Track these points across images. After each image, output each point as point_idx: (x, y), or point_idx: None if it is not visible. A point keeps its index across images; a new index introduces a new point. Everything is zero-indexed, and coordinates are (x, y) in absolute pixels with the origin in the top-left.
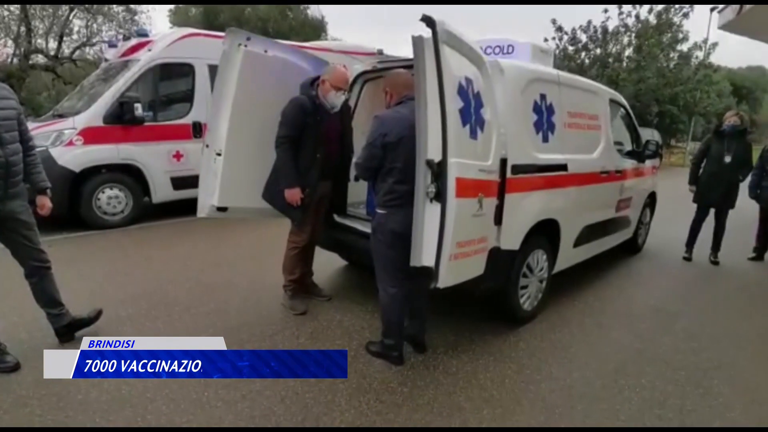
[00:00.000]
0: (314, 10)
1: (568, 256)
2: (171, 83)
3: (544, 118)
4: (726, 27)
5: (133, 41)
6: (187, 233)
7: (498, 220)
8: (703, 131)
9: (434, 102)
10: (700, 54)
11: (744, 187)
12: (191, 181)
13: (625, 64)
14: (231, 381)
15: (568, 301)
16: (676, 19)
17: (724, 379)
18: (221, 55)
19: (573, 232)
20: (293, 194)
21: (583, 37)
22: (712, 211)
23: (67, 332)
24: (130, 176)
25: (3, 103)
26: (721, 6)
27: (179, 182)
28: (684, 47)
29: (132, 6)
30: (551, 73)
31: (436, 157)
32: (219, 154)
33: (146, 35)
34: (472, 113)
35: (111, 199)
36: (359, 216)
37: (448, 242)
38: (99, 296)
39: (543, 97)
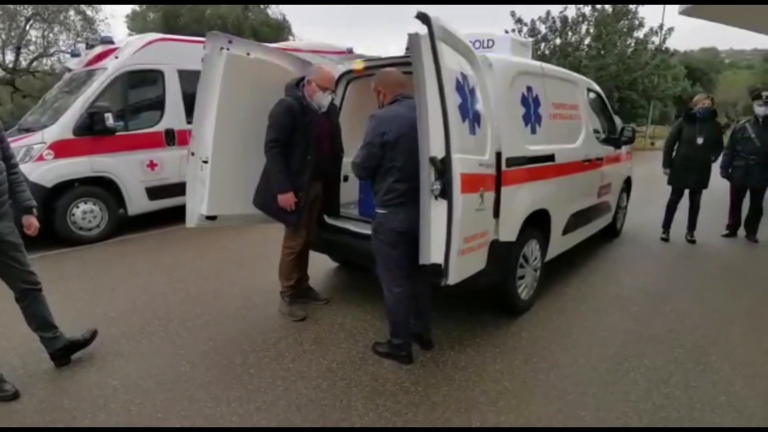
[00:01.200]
0: (275, 10)
1: (558, 244)
2: (141, 91)
3: (531, 110)
4: (686, 12)
5: (98, 49)
6: (168, 244)
7: (496, 213)
8: (661, 115)
9: (434, 99)
10: (656, 39)
11: (716, 167)
12: (167, 191)
13: (585, 52)
14: (243, 393)
15: (559, 288)
16: (632, 6)
17: (721, 354)
18: (203, 59)
19: (562, 220)
20: (287, 199)
21: (543, 28)
22: (685, 192)
23: (62, 355)
24: (104, 189)
25: None
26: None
27: (155, 192)
28: (640, 33)
29: (88, 13)
30: (535, 65)
31: (439, 154)
32: (205, 162)
33: (111, 42)
34: (469, 108)
35: (86, 213)
36: (351, 216)
37: (457, 238)
38: (87, 315)
39: (529, 89)
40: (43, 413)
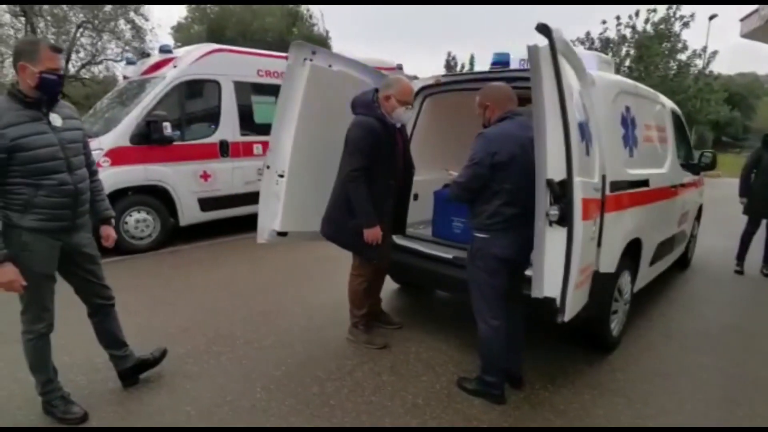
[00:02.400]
0: (320, 26)
1: (645, 275)
2: (197, 101)
3: (629, 132)
4: (751, 35)
5: (156, 58)
6: (220, 256)
7: (599, 241)
8: (699, 139)
9: (555, 116)
10: (699, 62)
11: None
12: (219, 203)
13: (625, 74)
14: (327, 427)
15: (641, 322)
16: (676, 29)
17: None
18: (286, 70)
19: (651, 249)
20: (374, 233)
21: (582, 49)
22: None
23: (131, 375)
24: (157, 198)
25: (69, 123)
26: (751, 9)
27: (207, 203)
28: (683, 56)
29: (137, 23)
30: (631, 84)
31: (557, 176)
32: (281, 176)
33: (170, 51)
34: (584, 128)
35: (139, 222)
36: (421, 237)
37: (575, 270)
38: (147, 331)
39: (627, 109)
40: None
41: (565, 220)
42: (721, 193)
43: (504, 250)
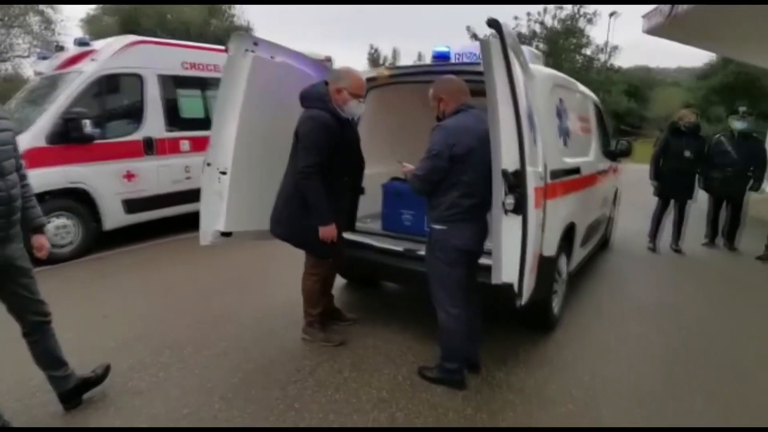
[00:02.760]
0: (240, 18)
1: (577, 257)
2: (119, 96)
3: (563, 122)
4: (653, 31)
5: (72, 51)
6: (151, 261)
7: (542, 227)
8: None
9: (508, 108)
10: (602, 57)
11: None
12: (145, 204)
13: None
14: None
15: (574, 302)
16: (581, 25)
17: (765, 366)
18: (226, 61)
19: (582, 232)
20: (330, 231)
21: None
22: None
23: (74, 396)
24: (78, 202)
25: (0, 123)
26: (650, 8)
27: (132, 205)
28: (588, 51)
29: (48, 13)
30: (564, 77)
31: (510, 166)
32: (224, 173)
33: (87, 44)
34: (531, 119)
35: (59, 229)
36: (371, 231)
37: (530, 256)
38: (83, 347)
39: (561, 101)
40: None
41: (520, 208)
42: (626, 177)
43: (463, 241)
